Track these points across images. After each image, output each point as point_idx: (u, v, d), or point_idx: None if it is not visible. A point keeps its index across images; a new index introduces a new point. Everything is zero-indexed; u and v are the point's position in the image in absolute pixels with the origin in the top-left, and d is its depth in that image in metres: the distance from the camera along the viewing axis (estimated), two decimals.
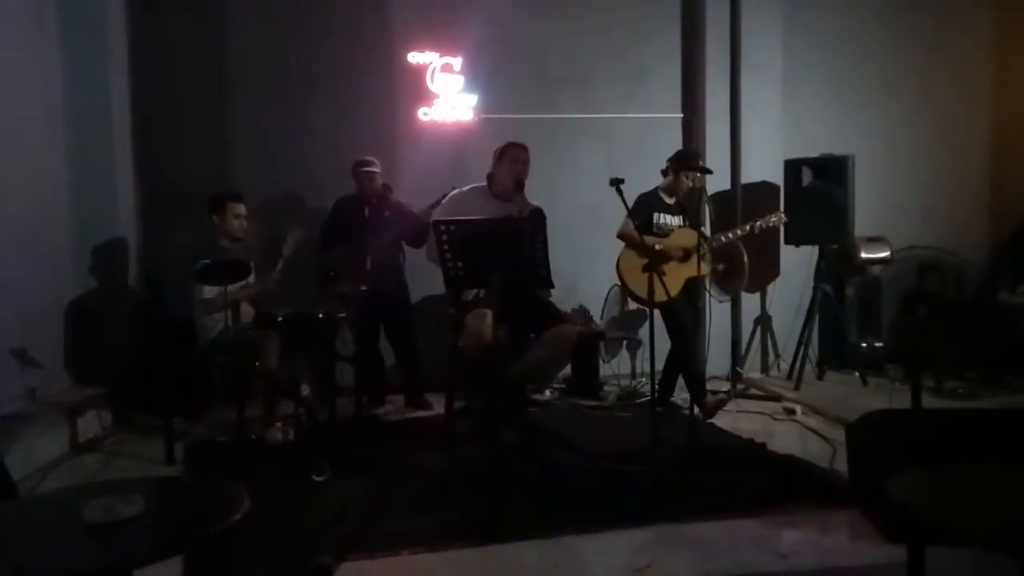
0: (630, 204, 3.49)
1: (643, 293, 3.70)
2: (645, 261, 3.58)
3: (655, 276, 3.44)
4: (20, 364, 4.00)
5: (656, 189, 4.26)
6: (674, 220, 4.22)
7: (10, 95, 4.01)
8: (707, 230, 4.50)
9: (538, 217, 3.68)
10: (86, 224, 4.60)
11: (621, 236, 4.11)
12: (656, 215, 4.19)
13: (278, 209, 4.96)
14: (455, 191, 4.02)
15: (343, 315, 3.98)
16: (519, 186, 3.86)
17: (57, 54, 4.48)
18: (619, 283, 4.30)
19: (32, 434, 3.68)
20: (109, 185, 4.67)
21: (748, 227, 4.28)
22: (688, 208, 4.32)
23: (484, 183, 3.97)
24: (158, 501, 1.86)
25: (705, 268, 4.10)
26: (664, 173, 4.26)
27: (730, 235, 4.26)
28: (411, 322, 4.74)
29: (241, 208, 4.15)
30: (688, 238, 4.13)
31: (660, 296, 3.68)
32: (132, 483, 2.20)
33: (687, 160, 4.27)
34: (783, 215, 4.41)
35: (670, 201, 4.24)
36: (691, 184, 4.19)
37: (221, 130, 5.00)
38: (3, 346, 3.88)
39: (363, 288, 4.08)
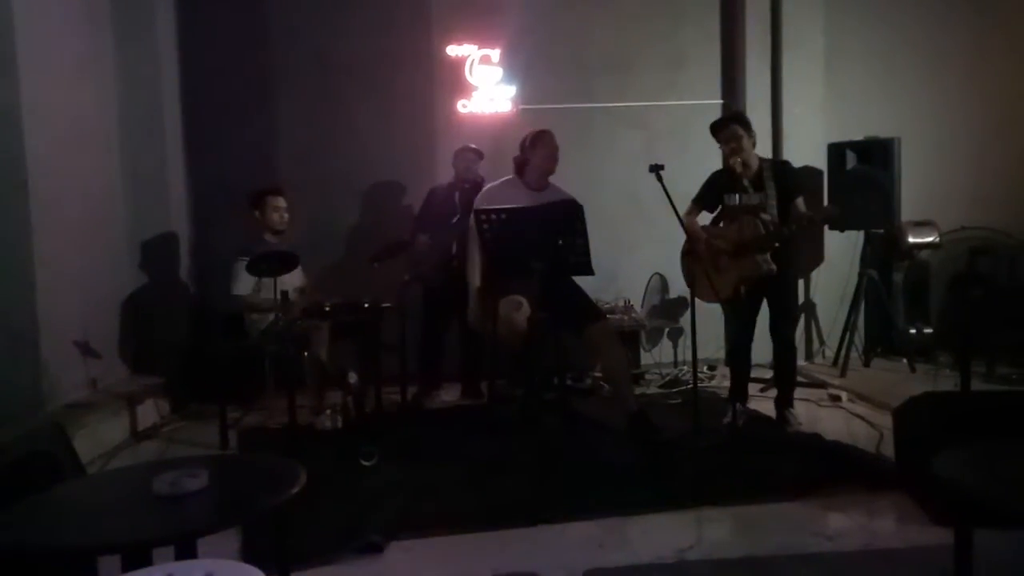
0: (671, 191, 3.44)
1: (697, 287, 3.66)
2: (709, 250, 3.55)
3: (702, 271, 3.40)
4: (82, 355, 4.19)
5: (725, 168, 3.85)
6: (745, 199, 3.71)
7: (67, 93, 4.18)
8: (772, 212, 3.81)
9: (573, 205, 3.71)
10: (140, 220, 4.78)
11: (682, 222, 3.75)
12: (727, 196, 3.78)
13: (321, 201, 5.09)
14: (487, 187, 4.01)
15: (388, 304, 4.07)
16: (544, 183, 3.84)
17: (110, 53, 4.65)
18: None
19: (95, 421, 3.85)
20: (161, 181, 4.85)
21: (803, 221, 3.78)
22: (764, 184, 3.74)
23: (513, 175, 3.94)
24: (221, 476, 1.96)
25: (763, 267, 3.66)
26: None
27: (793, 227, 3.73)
28: (487, 311, 4.76)
29: (281, 201, 4.28)
30: (749, 229, 3.68)
31: (708, 295, 3.63)
32: (197, 459, 2.31)
33: (713, 124, 3.89)
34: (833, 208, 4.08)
35: (745, 175, 3.72)
36: (732, 148, 3.72)
37: (266, 126, 5.14)
38: (67, 338, 4.06)
39: (407, 278, 4.16)
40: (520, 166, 3.92)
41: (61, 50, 4.13)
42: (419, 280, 4.58)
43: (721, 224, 3.91)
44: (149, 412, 4.37)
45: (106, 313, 4.56)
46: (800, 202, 3.80)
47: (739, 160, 3.70)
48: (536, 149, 3.85)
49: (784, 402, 3.91)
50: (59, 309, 3.92)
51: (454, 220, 4.43)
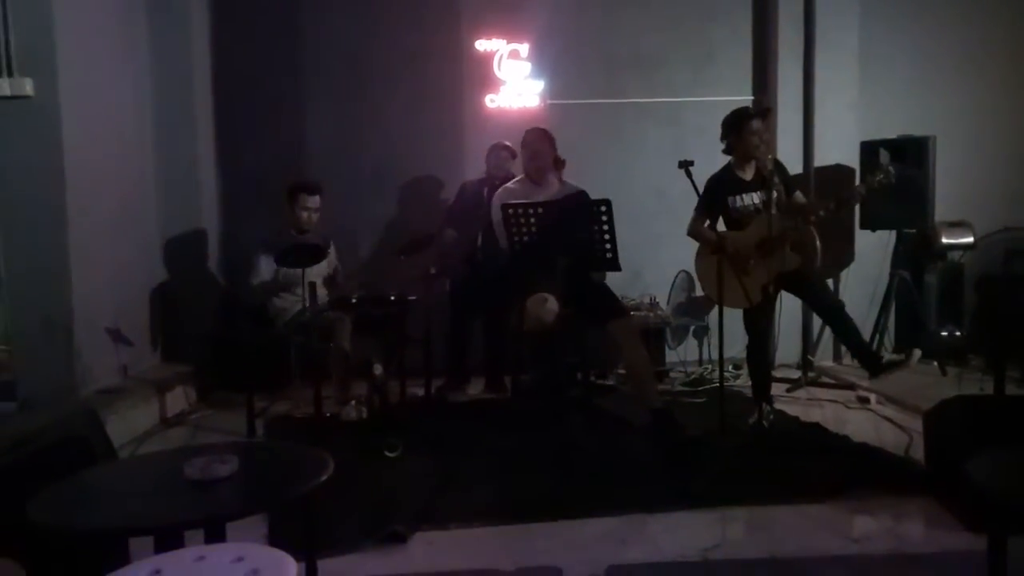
0: (700, 187, 3.40)
1: (724, 295, 3.55)
2: (724, 256, 3.47)
3: (732, 278, 3.33)
4: (114, 342, 4.27)
5: (728, 165, 3.78)
6: (756, 198, 3.68)
7: (103, 89, 4.26)
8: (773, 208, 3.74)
9: (583, 198, 3.71)
10: (172, 211, 4.86)
11: (690, 234, 3.76)
12: (732, 199, 3.71)
13: (350, 195, 5.13)
14: (501, 190, 4.01)
15: (413, 298, 4.09)
16: (546, 167, 3.85)
17: (145, 50, 4.73)
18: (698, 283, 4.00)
19: (125, 407, 3.93)
20: (193, 175, 4.92)
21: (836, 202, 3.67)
22: (769, 180, 3.61)
23: (523, 175, 3.99)
24: (250, 462, 1.99)
25: (795, 260, 3.60)
26: (728, 148, 3.77)
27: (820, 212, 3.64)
28: (512, 306, 4.78)
29: (312, 201, 4.29)
30: (769, 227, 3.54)
31: (739, 301, 3.55)
32: (227, 446, 2.34)
33: (741, 113, 3.75)
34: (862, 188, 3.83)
35: (747, 176, 3.71)
36: (761, 141, 3.64)
37: (295, 121, 5.19)
38: (99, 325, 4.15)
39: (433, 271, 4.18)
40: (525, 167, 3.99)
41: (98, 47, 4.21)
42: (445, 274, 4.60)
43: (727, 227, 3.81)
44: (178, 399, 4.44)
45: (137, 302, 4.64)
46: (799, 195, 3.79)
47: (756, 148, 3.66)
48: (522, 150, 3.95)
49: (872, 360, 3.76)
50: (92, 297, 4.01)
51: (480, 215, 4.44)
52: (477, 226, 4.46)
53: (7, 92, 3.68)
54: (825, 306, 3.87)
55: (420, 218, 5.04)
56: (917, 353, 3.95)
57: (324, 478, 1.84)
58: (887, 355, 3.89)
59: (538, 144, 3.89)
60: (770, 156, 3.79)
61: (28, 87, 3.69)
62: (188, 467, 1.85)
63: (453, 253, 4.54)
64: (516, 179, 4.02)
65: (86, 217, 3.96)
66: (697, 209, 3.77)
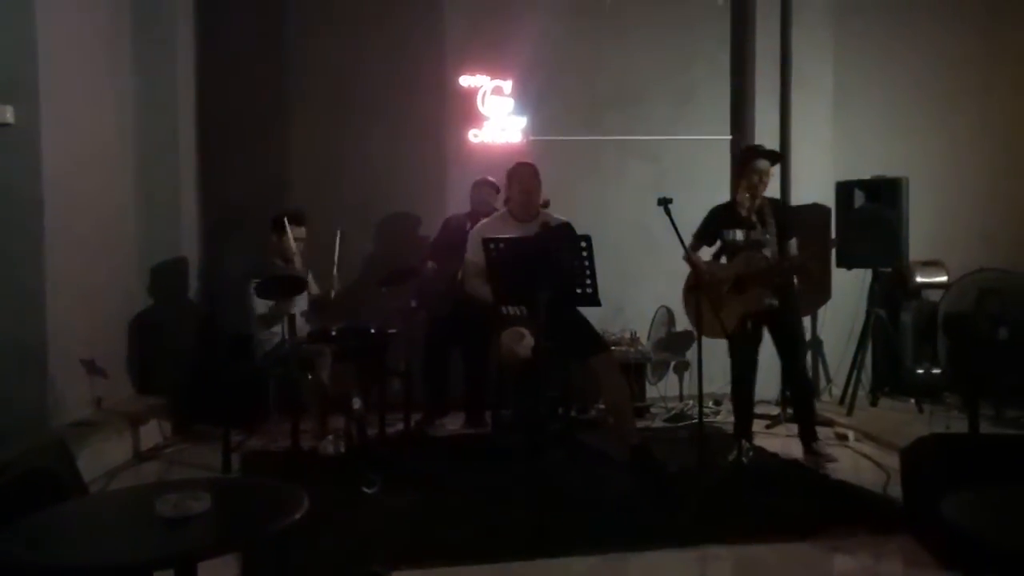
0: (679, 225, 3.46)
1: (702, 325, 3.64)
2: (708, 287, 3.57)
3: (709, 307, 3.39)
4: (88, 373, 4.20)
5: (732, 200, 3.96)
6: (755, 234, 3.80)
7: (85, 115, 4.25)
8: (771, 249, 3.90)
9: (567, 229, 3.74)
10: (152, 240, 4.82)
11: (685, 258, 3.79)
12: (725, 231, 3.87)
13: (332, 227, 5.10)
14: (478, 224, 4.02)
15: (394, 331, 4.07)
16: (535, 207, 3.86)
17: (129, 74, 4.73)
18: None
19: (98, 440, 3.84)
20: (174, 203, 4.90)
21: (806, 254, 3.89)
22: (766, 220, 3.82)
23: (504, 208, 4.00)
24: (224, 499, 1.95)
25: (765, 300, 3.73)
26: (734, 180, 3.93)
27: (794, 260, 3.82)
28: (490, 341, 4.78)
29: (300, 231, 4.29)
30: (751, 263, 3.76)
31: (716, 331, 3.60)
32: (201, 482, 2.30)
33: (748, 151, 3.94)
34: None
35: (746, 213, 3.84)
36: (761, 180, 3.80)
37: (279, 150, 5.20)
38: (74, 355, 4.08)
39: (414, 304, 4.17)
40: (505, 201, 4.01)
41: (81, 73, 4.21)
42: (424, 307, 4.60)
43: (723, 260, 3.94)
44: (152, 432, 4.36)
45: (113, 332, 4.58)
46: (793, 243, 3.89)
47: (756, 187, 3.79)
48: (511, 185, 3.91)
49: (809, 436, 3.90)
50: (67, 327, 3.94)
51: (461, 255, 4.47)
52: (458, 260, 4.47)
53: None
54: (792, 367, 3.95)
55: (402, 250, 5.05)
56: (850, 435, 4.26)
57: (299, 516, 1.81)
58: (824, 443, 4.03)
59: (531, 183, 3.87)
60: (775, 199, 3.92)
61: (9, 115, 3.67)
62: (160, 504, 1.81)
63: (432, 286, 4.54)
64: (496, 214, 4.02)
65: (63, 244, 3.91)
66: (694, 235, 3.93)
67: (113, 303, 4.55)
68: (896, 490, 3.23)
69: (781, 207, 3.97)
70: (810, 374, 4.00)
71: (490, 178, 4.69)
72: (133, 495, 2.28)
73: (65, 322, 3.92)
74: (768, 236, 3.80)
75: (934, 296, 5.20)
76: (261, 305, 4.06)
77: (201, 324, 4.98)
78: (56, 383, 3.85)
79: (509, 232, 3.73)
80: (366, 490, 3.39)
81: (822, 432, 4.47)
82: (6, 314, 3.74)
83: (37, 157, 3.75)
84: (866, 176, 5.05)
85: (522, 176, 3.87)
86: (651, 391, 5.20)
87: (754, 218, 3.79)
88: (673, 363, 5.26)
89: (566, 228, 3.83)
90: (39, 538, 1.81)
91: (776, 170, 5.24)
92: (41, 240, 3.77)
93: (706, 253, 4.10)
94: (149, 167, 4.81)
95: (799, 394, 3.99)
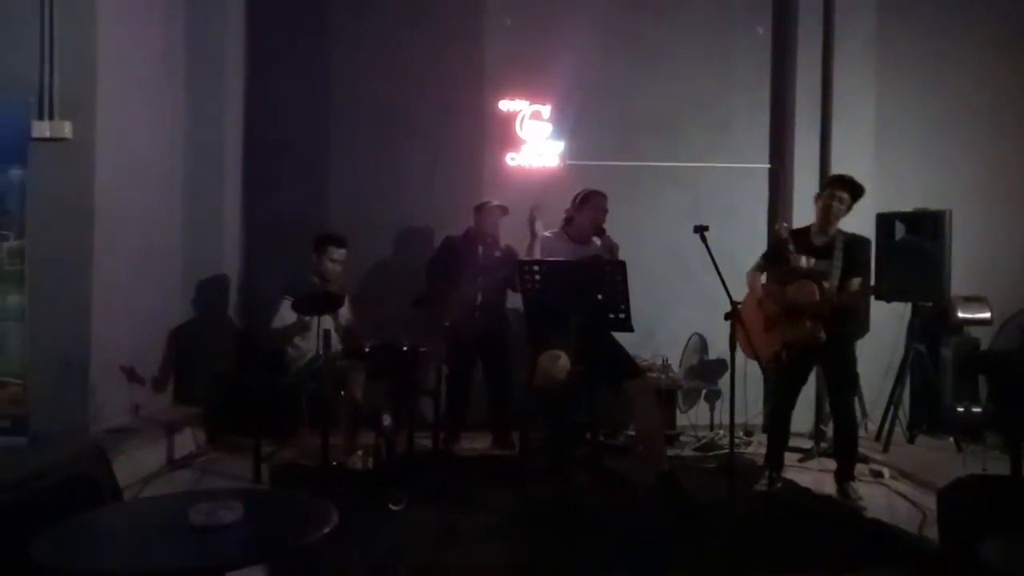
0: (714, 252, 3.42)
1: (740, 341, 3.59)
2: (761, 308, 3.53)
3: (742, 331, 3.36)
4: (128, 381, 4.31)
5: (808, 226, 3.88)
6: (820, 264, 3.70)
7: (139, 133, 4.41)
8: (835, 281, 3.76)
9: (616, 260, 3.73)
10: (195, 254, 4.96)
11: (747, 279, 3.80)
12: (796, 257, 3.76)
13: (370, 246, 5.21)
14: (547, 234, 4.03)
15: (425, 349, 4.11)
16: (598, 232, 3.89)
17: (182, 95, 4.90)
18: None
19: (133, 447, 3.94)
20: (217, 220, 5.04)
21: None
22: (834, 252, 3.71)
23: (561, 228, 4.02)
24: (256, 510, 1.99)
25: (813, 333, 3.63)
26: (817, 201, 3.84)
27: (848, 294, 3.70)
28: (510, 361, 4.79)
29: (340, 253, 4.37)
30: (805, 294, 3.63)
31: (750, 352, 3.56)
32: (233, 492, 2.34)
33: (836, 177, 3.88)
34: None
35: (819, 241, 3.75)
36: (843, 208, 3.72)
37: (321, 172, 5.31)
38: (115, 364, 4.19)
39: (447, 323, 4.21)
40: (568, 220, 4.02)
41: (137, 93, 4.38)
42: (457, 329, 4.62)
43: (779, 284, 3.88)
44: (186, 441, 4.44)
45: (154, 343, 4.70)
46: (856, 282, 3.77)
47: (826, 210, 3.73)
48: (583, 208, 3.96)
49: (844, 476, 3.81)
50: (111, 336, 4.06)
51: (479, 276, 4.54)
52: (481, 282, 4.50)
53: (47, 134, 3.82)
54: (838, 405, 3.85)
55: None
56: (886, 472, 4.18)
57: (328, 530, 1.83)
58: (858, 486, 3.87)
59: (606, 206, 3.96)
60: (851, 233, 3.83)
61: (67, 130, 3.83)
62: (193, 512, 1.85)
63: (454, 308, 4.54)
64: (554, 232, 4.02)
65: (112, 257, 4.04)
66: (762, 255, 3.93)
67: (155, 314, 4.68)
68: (932, 531, 3.14)
69: (854, 242, 3.83)
70: (857, 415, 3.87)
71: (496, 202, 4.71)
72: (167, 503, 2.33)
73: (109, 332, 4.04)
74: (832, 269, 3.70)
75: (976, 332, 5.07)
76: (286, 319, 4.13)
77: (238, 337, 5.08)
78: (97, 391, 3.96)
79: (565, 251, 3.82)
80: (393, 507, 3.41)
81: (857, 468, 4.37)
82: (54, 323, 3.88)
83: (91, 171, 3.90)
84: (908, 208, 4.97)
85: (595, 205, 3.95)
86: (681, 419, 5.14)
87: (821, 249, 3.74)
88: (704, 391, 5.20)
89: (614, 259, 3.79)
90: (75, 543, 1.86)
91: (813, 202, 5.25)
92: (91, 250, 3.91)
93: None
94: (196, 183, 4.96)
95: (842, 433, 3.87)
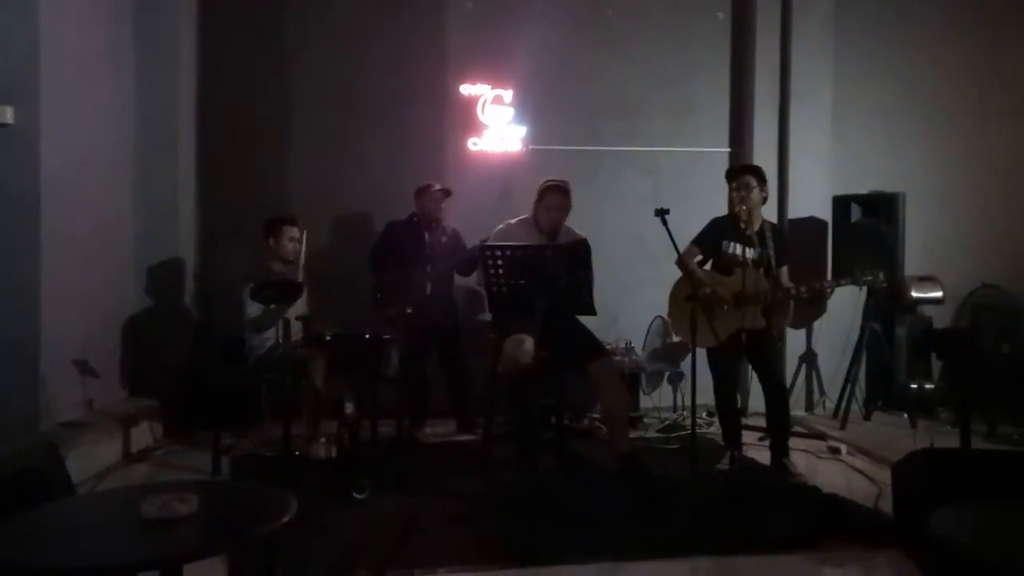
0: (675, 236, 3.45)
1: (683, 328, 3.66)
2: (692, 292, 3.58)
3: (702, 316, 3.39)
4: (80, 374, 4.19)
5: (732, 214, 3.91)
6: (748, 252, 3.81)
7: (86, 116, 4.27)
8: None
9: (582, 246, 3.73)
10: (149, 243, 4.83)
11: (678, 263, 3.76)
12: (726, 243, 3.86)
13: (329, 232, 5.14)
14: (502, 225, 4.01)
15: (389, 336, 4.07)
16: (554, 234, 3.84)
17: (131, 78, 4.75)
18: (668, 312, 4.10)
19: (88, 441, 3.84)
20: (172, 207, 4.91)
21: (834, 284, 3.85)
22: (767, 242, 3.85)
23: (530, 215, 3.98)
24: (211, 502, 1.95)
25: (760, 320, 3.75)
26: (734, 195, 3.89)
27: (815, 286, 3.80)
28: (461, 347, 4.78)
29: (295, 231, 4.31)
30: (753, 283, 3.72)
31: (707, 340, 3.61)
32: (187, 484, 2.29)
33: (732, 171, 3.99)
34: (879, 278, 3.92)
35: (748, 229, 3.80)
36: (743, 197, 3.79)
37: (279, 157, 5.21)
38: (67, 356, 4.07)
39: (409, 311, 4.17)
40: (534, 210, 3.96)
41: (82, 76, 4.23)
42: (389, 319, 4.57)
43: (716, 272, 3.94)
44: (143, 434, 4.35)
45: (107, 333, 4.57)
46: (784, 271, 3.91)
47: (744, 208, 3.79)
48: (540, 202, 3.89)
49: (780, 450, 3.87)
50: (61, 327, 3.94)
51: (428, 264, 4.49)
52: (433, 269, 4.48)
53: None
54: (771, 379, 3.92)
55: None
56: (843, 449, 4.29)
57: (286, 519, 1.80)
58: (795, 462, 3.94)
59: (561, 206, 3.85)
60: (775, 224, 3.95)
61: (8, 115, 3.69)
62: (146, 505, 1.81)
63: (397, 294, 4.50)
64: (522, 219, 3.97)
65: (60, 245, 3.92)
66: (694, 240, 3.91)
67: (108, 304, 4.55)
68: (887, 504, 3.22)
69: (780, 232, 3.98)
70: (787, 389, 3.96)
71: (438, 185, 4.65)
72: (119, 496, 2.27)
73: (59, 323, 3.92)
74: (768, 258, 3.83)
75: (929, 311, 5.21)
76: (254, 309, 4.06)
77: (195, 327, 4.97)
78: (48, 384, 3.84)
79: (530, 239, 3.75)
80: (356, 495, 3.38)
81: (815, 445, 4.49)
82: (1, 314, 3.74)
83: (36, 158, 3.76)
84: (863, 191, 5.07)
85: (551, 203, 3.84)
86: (645, 401, 5.20)
87: (755, 239, 3.80)
88: (667, 374, 5.25)
89: (583, 246, 3.80)
90: (22, 539, 1.80)
91: (773, 184, 5.33)
92: (37, 240, 3.78)
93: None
94: (148, 171, 4.82)
95: (773, 408, 3.89)
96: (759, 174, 3.94)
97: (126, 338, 4.71)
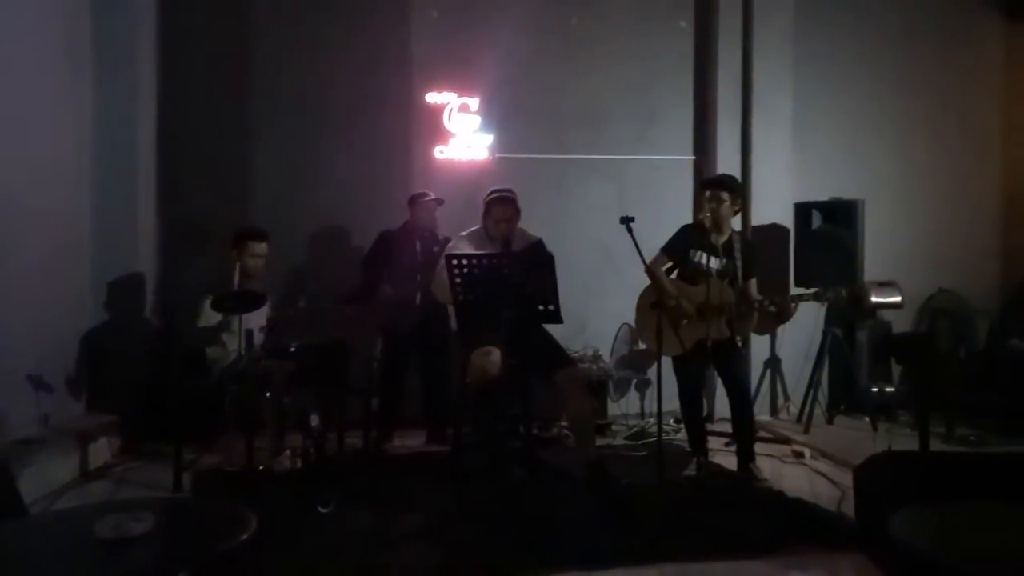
0: (640, 244, 3.47)
1: (649, 336, 3.66)
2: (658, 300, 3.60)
3: (667, 325, 3.42)
4: (35, 389, 4.07)
5: (701, 224, 3.95)
6: (714, 262, 3.84)
7: (42, 128, 4.16)
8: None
9: (539, 249, 3.74)
10: (108, 253, 4.71)
11: (647, 271, 3.75)
12: (695, 252, 3.87)
13: (294, 242, 5.08)
14: (453, 239, 3.98)
15: (353, 346, 4.03)
16: (505, 244, 3.80)
17: (88, 90, 4.64)
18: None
19: (43, 459, 3.72)
20: (132, 218, 4.80)
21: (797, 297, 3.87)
22: (734, 253, 3.88)
23: (480, 226, 3.93)
24: (167, 520, 1.90)
25: (723, 332, 3.80)
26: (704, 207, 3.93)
27: (777, 300, 3.81)
28: (447, 358, 4.73)
29: (261, 248, 4.24)
30: (717, 295, 3.73)
31: (673, 348, 3.64)
32: (143, 502, 2.23)
33: (709, 183, 4.01)
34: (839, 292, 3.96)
35: (717, 240, 3.85)
36: (712, 208, 3.82)
37: (242, 166, 5.13)
38: (20, 371, 3.95)
39: (374, 321, 4.14)
40: (483, 222, 3.92)
41: (39, 85, 4.12)
42: (384, 324, 4.56)
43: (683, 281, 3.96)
44: (101, 451, 4.23)
45: (64, 348, 4.45)
46: (753, 284, 3.95)
47: (710, 218, 3.84)
48: (488, 215, 3.86)
49: (746, 455, 3.90)
50: (15, 341, 3.83)
51: (418, 275, 4.45)
52: (420, 280, 4.44)
53: None
54: (737, 385, 3.96)
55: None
56: (807, 453, 4.36)
57: (245, 536, 1.76)
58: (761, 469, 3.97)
59: (510, 217, 3.81)
60: (744, 236, 4.03)
61: None
62: (99, 525, 1.75)
63: (390, 310, 4.49)
64: (474, 229, 3.94)
65: (12, 258, 3.81)
66: (663, 247, 3.93)
67: (64, 318, 4.43)
68: (850, 507, 3.27)
69: (748, 244, 4.02)
70: (752, 391, 4.02)
71: (430, 193, 4.65)
72: (73, 516, 2.20)
73: (13, 336, 3.81)
74: (735, 269, 3.87)
75: (889, 316, 5.32)
76: (210, 319, 3.99)
77: (156, 340, 4.86)
78: (0, 399, 3.72)
79: (484, 250, 3.71)
80: (321, 509, 3.32)
81: (779, 450, 4.54)
82: None
83: None
84: (823, 198, 5.16)
85: (495, 213, 3.81)
86: (612, 408, 5.21)
87: (721, 249, 3.85)
88: (635, 381, 5.28)
89: (538, 246, 3.83)
90: None
91: None
92: None
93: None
94: (107, 181, 4.70)
95: (739, 414, 3.95)
96: (734, 188, 3.98)
97: (84, 351, 4.58)
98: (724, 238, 3.90)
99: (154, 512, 1.82)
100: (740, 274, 3.88)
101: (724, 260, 3.85)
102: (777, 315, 3.83)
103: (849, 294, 3.99)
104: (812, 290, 3.92)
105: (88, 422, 4.37)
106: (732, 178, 4.26)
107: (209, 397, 4.15)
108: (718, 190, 3.89)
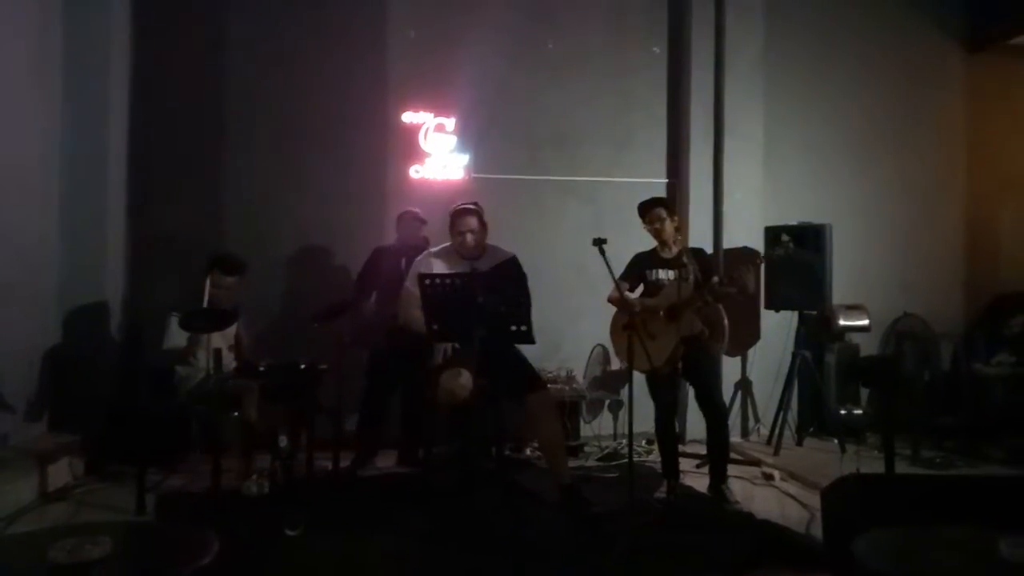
0: (612, 265, 3.49)
1: (623, 356, 3.69)
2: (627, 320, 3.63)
3: (639, 340, 3.45)
4: None
5: (653, 249, 4.09)
6: (671, 274, 3.95)
7: (9, 140, 4.09)
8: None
9: (512, 265, 3.73)
10: (74, 270, 4.62)
11: (609, 300, 3.92)
12: (650, 272, 4.01)
13: (267, 260, 5.03)
14: (421, 256, 3.95)
15: (325, 367, 3.99)
16: (471, 257, 3.77)
17: (58, 103, 4.58)
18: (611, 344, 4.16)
19: (1, 480, 3.62)
20: (99, 234, 4.71)
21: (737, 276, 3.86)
22: (687, 263, 3.94)
23: (451, 243, 3.89)
24: (126, 544, 1.85)
25: (696, 326, 3.86)
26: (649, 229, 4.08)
27: (733, 275, 3.84)
28: (427, 380, 4.67)
29: (228, 281, 4.12)
30: (681, 290, 3.82)
31: (644, 364, 3.67)
32: (101, 526, 2.18)
33: (643, 206, 4.10)
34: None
35: (667, 255, 4.01)
36: (657, 229, 3.99)
37: (213, 182, 5.09)
38: None
39: (346, 340, 4.10)
40: (451, 237, 3.89)
41: (6, 99, 4.06)
42: (361, 344, 4.52)
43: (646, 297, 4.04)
44: (62, 472, 4.12)
45: (25, 364, 4.34)
46: (716, 279, 3.98)
47: (658, 232, 3.99)
48: (453, 229, 3.82)
49: (719, 476, 3.92)
50: None
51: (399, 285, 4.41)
52: (392, 294, 4.41)
53: None
54: (711, 403, 3.97)
55: (337, 285, 4.98)
56: (776, 475, 4.43)
57: (206, 561, 1.72)
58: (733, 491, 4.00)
59: (473, 228, 3.77)
60: (694, 248, 4.13)
61: None
62: (54, 550, 1.71)
63: (373, 324, 4.47)
64: (443, 247, 3.91)
65: None
66: (620, 276, 3.97)
67: (26, 335, 4.33)
68: (818, 529, 3.29)
69: (699, 253, 4.11)
70: (727, 416, 4.07)
71: (416, 210, 4.67)
72: (28, 540, 2.14)
73: None
74: (689, 274, 3.90)
75: (857, 339, 5.40)
76: (179, 337, 3.92)
77: (121, 359, 4.77)
78: None
79: (454, 267, 3.69)
80: (289, 532, 3.27)
81: (749, 471, 4.57)
82: None
83: None
84: (793, 222, 5.25)
85: (461, 227, 3.77)
86: (586, 430, 5.21)
87: (675, 262, 3.94)
88: (608, 401, 5.29)
89: (512, 264, 3.82)
90: None
91: (708, 214, 5.49)
92: None
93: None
94: (74, 196, 4.62)
95: (713, 437, 3.97)
96: (667, 204, 4.13)
97: (46, 369, 4.48)
98: (673, 253, 4.00)
99: (112, 536, 1.78)
100: (700, 277, 3.89)
101: (680, 270, 3.91)
102: (740, 292, 3.87)
103: (791, 246, 4.02)
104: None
105: (49, 442, 4.27)
106: (662, 197, 4.44)
107: (175, 417, 4.07)
108: (656, 209, 4.01)
